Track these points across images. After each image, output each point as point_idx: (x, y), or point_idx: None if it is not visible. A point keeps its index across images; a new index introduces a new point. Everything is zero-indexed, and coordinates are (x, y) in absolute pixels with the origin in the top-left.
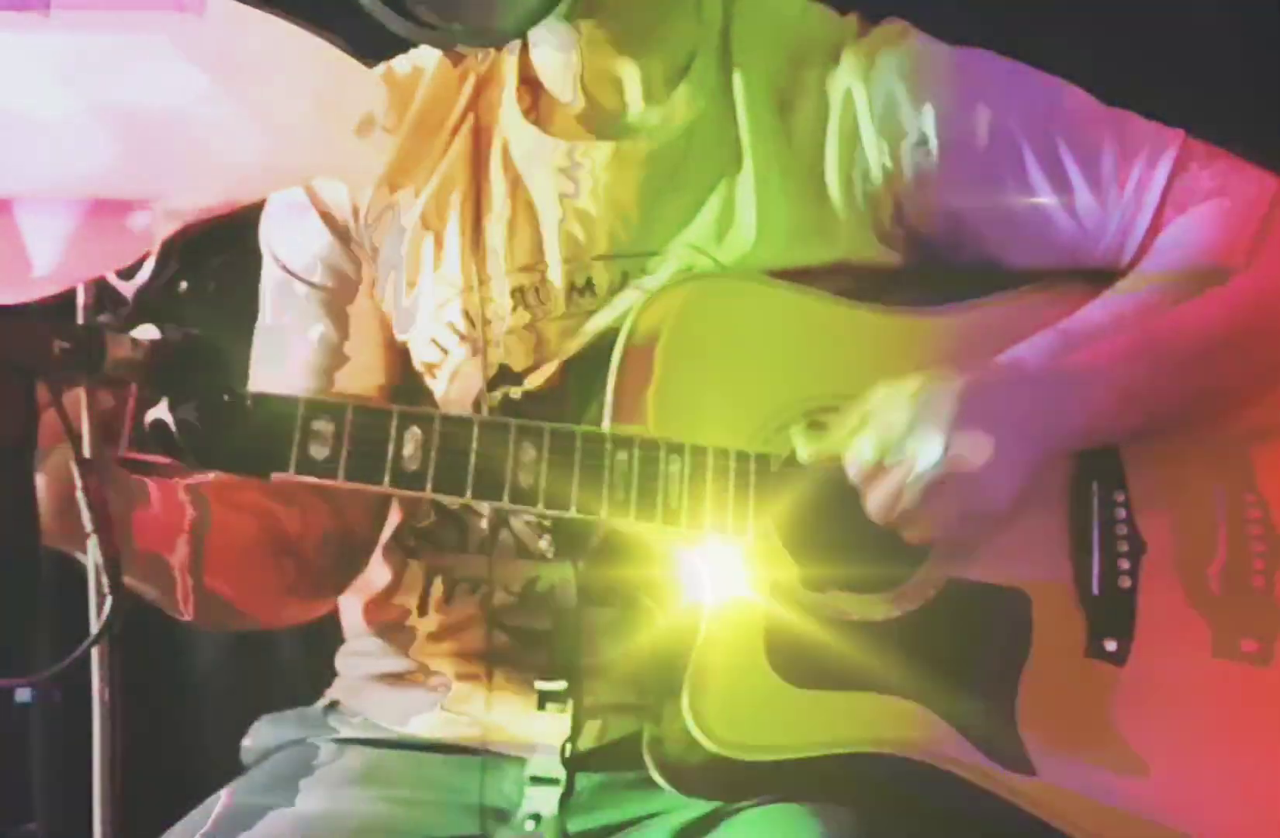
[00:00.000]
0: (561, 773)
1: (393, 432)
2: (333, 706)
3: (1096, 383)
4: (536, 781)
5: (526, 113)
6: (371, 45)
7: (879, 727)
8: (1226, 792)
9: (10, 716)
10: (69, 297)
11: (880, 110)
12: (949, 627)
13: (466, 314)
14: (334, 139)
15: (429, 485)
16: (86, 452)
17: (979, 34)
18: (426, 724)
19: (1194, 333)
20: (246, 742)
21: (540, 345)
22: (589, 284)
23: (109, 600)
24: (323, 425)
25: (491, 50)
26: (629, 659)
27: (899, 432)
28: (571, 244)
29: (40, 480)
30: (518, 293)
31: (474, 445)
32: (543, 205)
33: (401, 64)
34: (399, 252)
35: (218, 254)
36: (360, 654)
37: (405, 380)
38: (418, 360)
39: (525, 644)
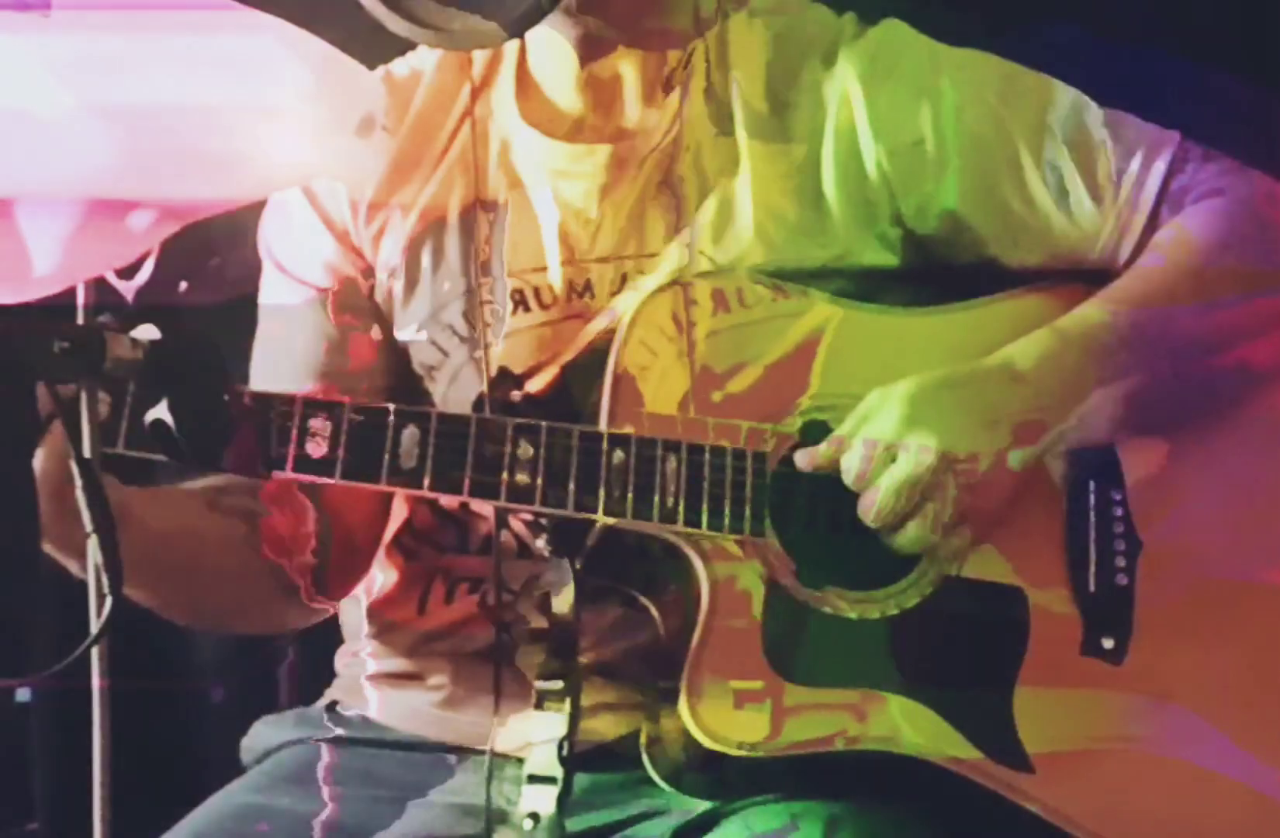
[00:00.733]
0: (559, 772)
1: (390, 430)
2: (332, 706)
3: (1091, 381)
4: (534, 779)
5: (525, 115)
6: (372, 45)
7: (877, 724)
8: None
9: (10, 716)
10: (69, 297)
11: (877, 111)
12: (946, 625)
13: (466, 316)
14: (332, 140)
15: (426, 483)
16: (86, 452)
17: (976, 34)
18: (425, 724)
19: (1190, 332)
20: (246, 742)
21: (540, 347)
22: (588, 286)
23: (109, 600)
24: (320, 424)
25: (490, 52)
26: (626, 658)
27: (891, 434)
28: (570, 246)
29: (41, 480)
30: (517, 295)
31: (471, 444)
32: (541, 207)
33: (400, 67)
34: (398, 253)
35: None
36: (360, 654)
37: (405, 382)
38: (417, 362)
39: (524, 643)
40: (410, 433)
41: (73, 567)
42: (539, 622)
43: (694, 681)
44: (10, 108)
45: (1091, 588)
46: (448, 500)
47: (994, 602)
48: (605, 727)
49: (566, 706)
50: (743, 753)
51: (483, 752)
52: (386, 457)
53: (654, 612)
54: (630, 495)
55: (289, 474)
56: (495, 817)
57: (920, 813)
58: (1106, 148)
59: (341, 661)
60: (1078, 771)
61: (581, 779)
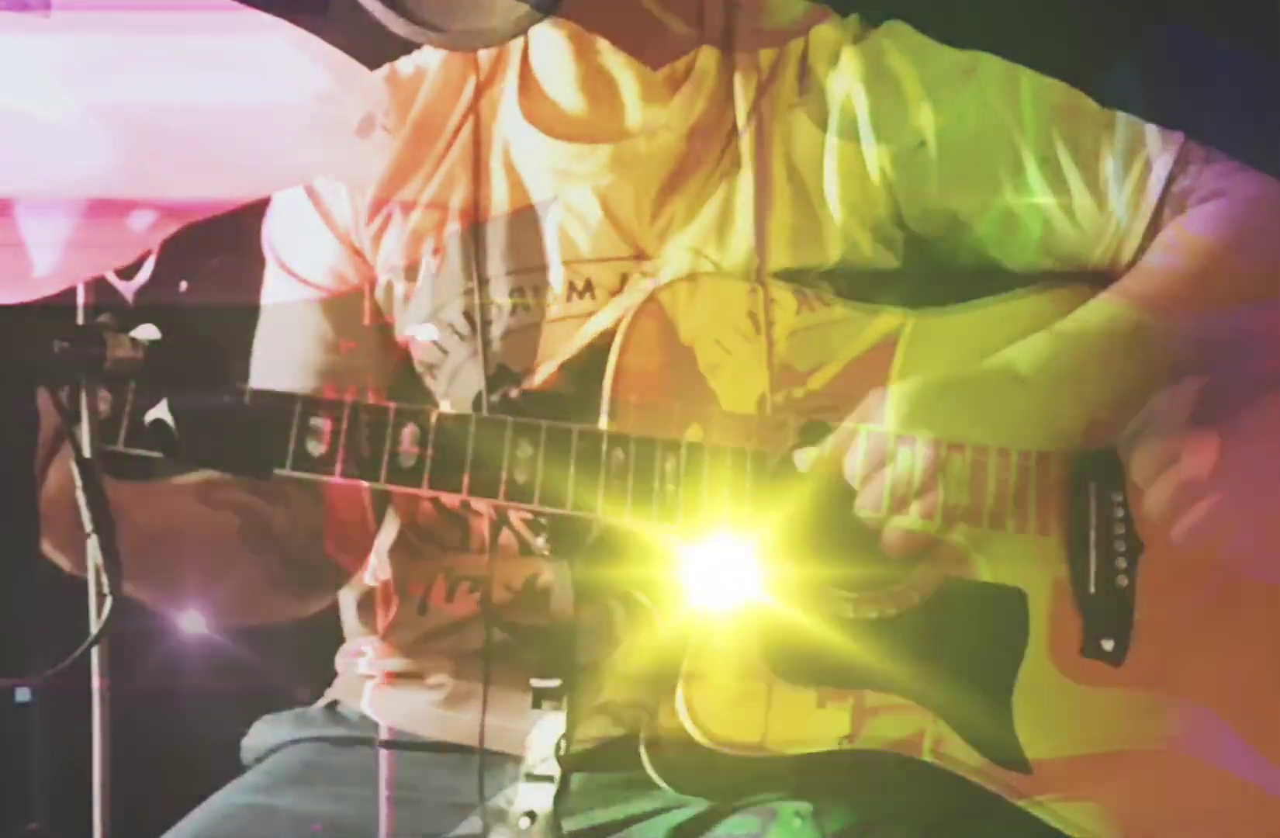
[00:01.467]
0: (557, 771)
1: (390, 428)
2: (332, 705)
3: (1090, 382)
4: (532, 778)
5: (527, 114)
6: (372, 45)
7: (876, 725)
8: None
9: (10, 716)
10: (69, 297)
11: (879, 112)
12: (946, 625)
13: (466, 315)
14: (332, 140)
15: (425, 482)
16: (86, 452)
17: (979, 36)
18: (426, 723)
19: (1190, 334)
20: (246, 742)
21: (539, 347)
22: (588, 286)
23: (109, 600)
24: (320, 422)
25: (495, 51)
26: (625, 657)
27: (890, 429)
28: (571, 246)
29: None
30: (517, 294)
31: (470, 442)
32: (543, 207)
33: (404, 65)
34: (399, 252)
35: (217, 254)
36: (360, 654)
37: (405, 381)
38: (418, 361)
39: (524, 642)
40: (410, 432)
41: (65, 563)
42: (539, 621)
43: (692, 680)
44: (10, 108)
45: (1092, 589)
46: (449, 499)
47: (994, 602)
48: (603, 726)
49: (564, 704)
50: (741, 753)
51: (481, 751)
52: (386, 455)
53: (653, 610)
54: (630, 495)
55: (288, 472)
56: (493, 816)
57: (919, 812)
58: (1108, 149)
59: (342, 660)
60: (1076, 772)
61: (579, 779)
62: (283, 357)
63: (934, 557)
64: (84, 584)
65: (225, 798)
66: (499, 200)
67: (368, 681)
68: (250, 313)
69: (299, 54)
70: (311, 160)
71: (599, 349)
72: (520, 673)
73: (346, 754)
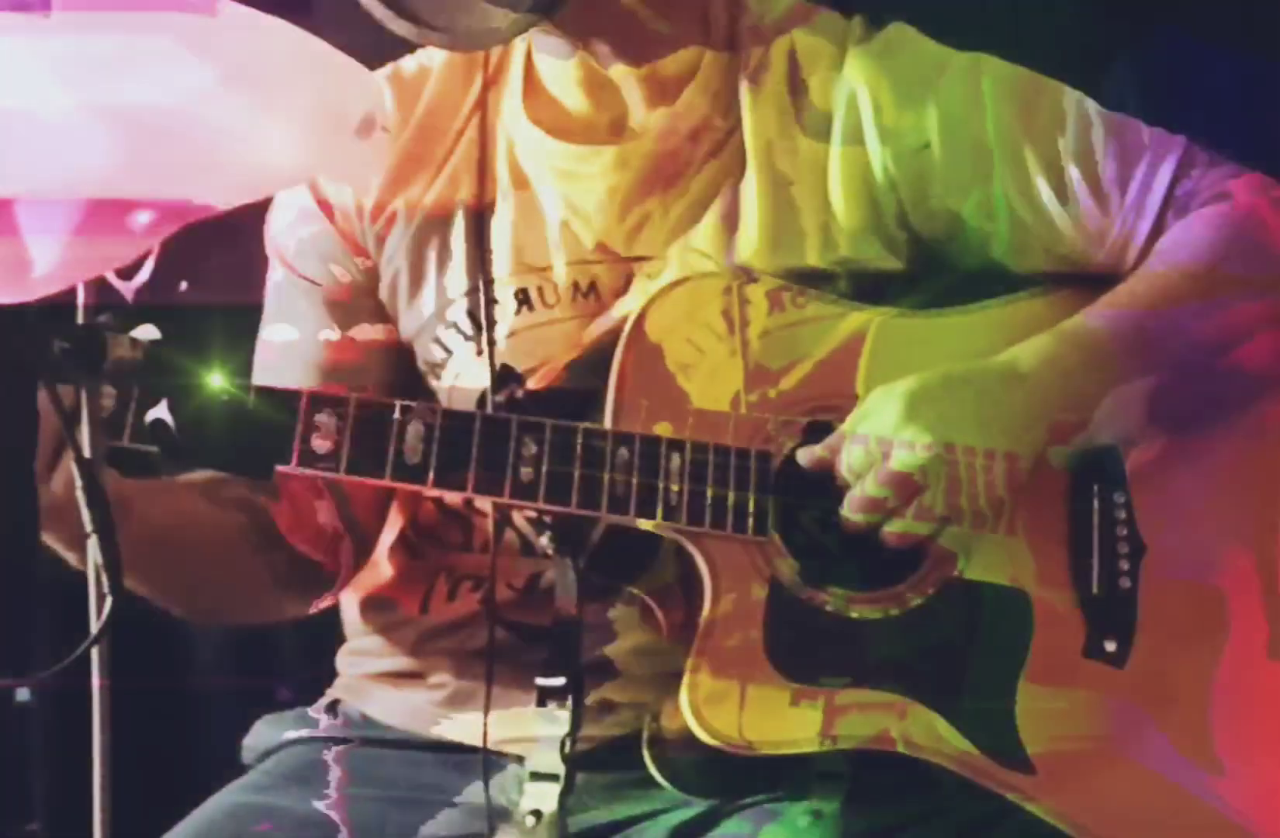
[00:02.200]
0: (561, 769)
1: (395, 426)
2: (333, 705)
3: (1091, 383)
4: (536, 777)
5: (531, 114)
6: (372, 45)
7: (878, 724)
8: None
9: (10, 716)
10: (69, 297)
11: (883, 114)
12: (948, 625)
13: (470, 315)
14: (332, 140)
15: (430, 479)
16: (86, 452)
17: (982, 38)
18: (427, 723)
19: (1193, 336)
20: (247, 742)
21: (543, 347)
22: (592, 286)
23: (109, 600)
24: (325, 419)
25: (500, 50)
26: (628, 657)
27: (888, 430)
28: (575, 246)
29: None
30: (521, 294)
31: (475, 440)
32: (547, 207)
33: (408, 64)
34: (403, 251)
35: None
36: (361, 653)
37: (409, 380)
38: (422, 360)
39: (527, 641)
40: (415, 429)
41: (72, 559)
42: (541, 622)
43: (695, 679)
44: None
45: (1094, 590)
46: (452, 497)
47: (997, 603)
48: (607, 725)
49: (568, 703)
50: (744, 752)
51: (484, 750)
52: (391, 453)
53: (656, 610)
54: (634, 494)
55: (294, 469)
56: (498, 815)
57: (920, 812)
58: (1112, 152)
59: (343, 659)
60: (1079, 772)
61: (583, 779)
62: (286, 356)
63: (937, 555)
64: (84, 584)
65: (225, 798)
66: (503, 200)
67: (369, 680)
68: (251, 312)
69: (299, 53)
70: (311, 161)
71: (603, 349)
72: (523, 672)
73: (348, 753)
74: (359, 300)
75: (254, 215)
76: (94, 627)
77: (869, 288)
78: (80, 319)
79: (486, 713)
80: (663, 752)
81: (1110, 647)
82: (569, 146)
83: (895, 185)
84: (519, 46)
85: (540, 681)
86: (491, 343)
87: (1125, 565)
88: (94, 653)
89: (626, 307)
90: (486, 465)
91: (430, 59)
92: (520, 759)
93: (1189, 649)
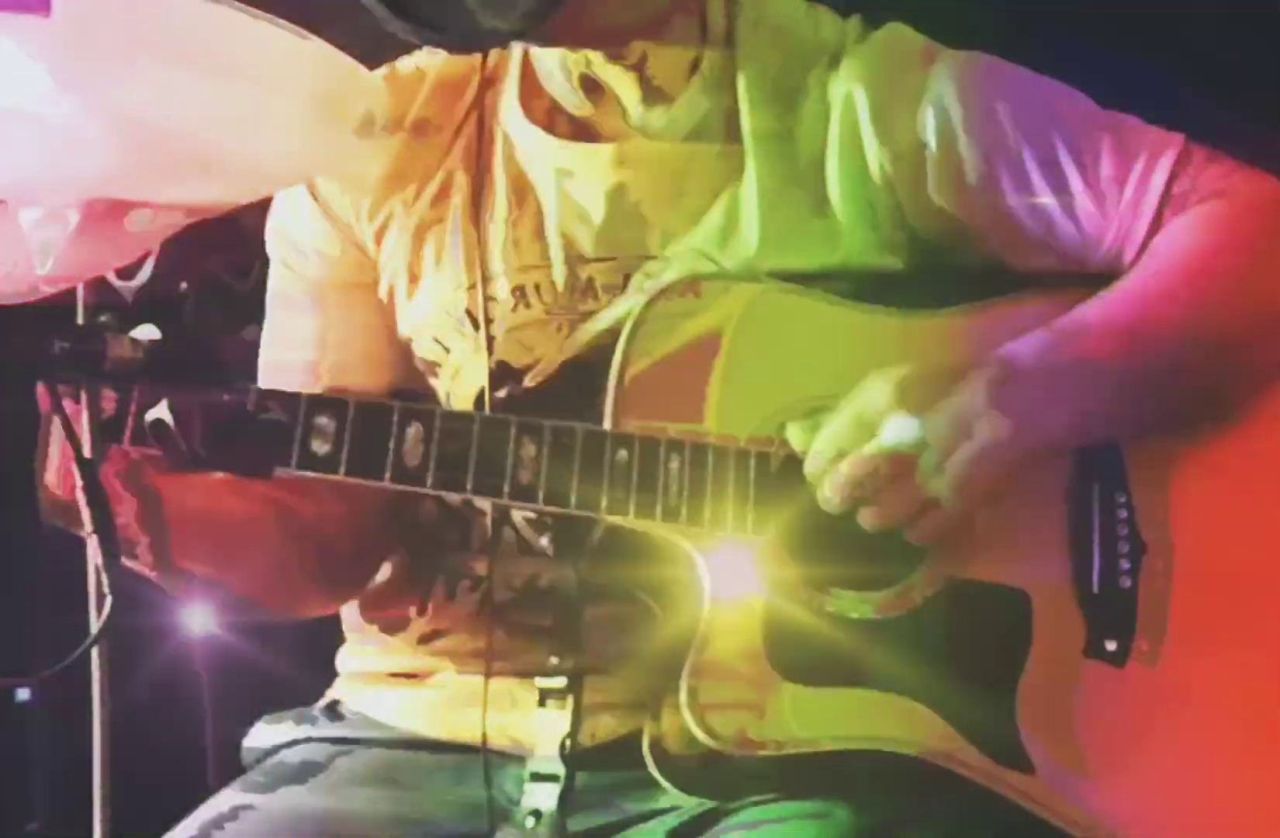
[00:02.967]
0: (562, 770)
1: (394, 428)
2: (333, 705)
3: (1088, 380)
4: (537, 777)
5: (530, 114)
6: (372, 45)
7: (878, 724)
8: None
9: (10, 716)
10: (69, 297)
11: (881, 113)
12: (949, 625)
13: (469, 313)
14: (331, 140)
15: (429, 481)
16: (86, 452)
17: (981, 38)
18: (427, 723)
19: (1188, 331)
20: (246, 742)
21: (540, 344)
22: (590, 285)
23: (109, 600)
24: (325, 421)
25: (496, 51)
26: (628, 657)
27: (876, 413)
28: (573, 245)
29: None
30: (519, 292)
31: (474, 441)
32: (545, 206)
33: (405, 64)
34: (402, 250)
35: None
36: (361, 653)
37: (409, 378)
38: (420, 358)
39: (526, 641)
40: (414, 431)
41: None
42: (541, 620)
43: (695, 680)
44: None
45: (1095, 590)
46: (451, 497)
47: (997, 603)
48: (607, 726)
49: (569, 704)
50: (744, 752)
51: (484, 750)
52: (390, 455)
53: (656, 610)
54: (633, 494)
55: (293, 471)
56: (498, 815)
57: (921, 812)
58: (1109, 150)
59: (342, 659)
60: (1080, 772)
61: (583, 778)
62: (286, 354)
63: (937, 556)
64: (84, 584)
65: (225, 798)
66: (501, 199)
67: (369, 680)
68: (251, 312)
69: (295, 53)
70: (307, 161)
71: (601, 348)
72: (523, 672)
73: (346, 754)
74: (358, 299)
75: (254, 215)
76: (94, 627)
77: (870, 287)
78: (80, 319)
79: (486, 713)
80: (663, 752)
81: (1111, 646)
82: (567, 145)
83: (892, 185)
84: (517, 46)
85: (540, 681)
86: (490, 340)
87: (1126, 565)
88: (94, 653)
89: (624, 305)
90: (485, 467)
91: (427, 59)
92: (520, 759)
93: (1191, 647)
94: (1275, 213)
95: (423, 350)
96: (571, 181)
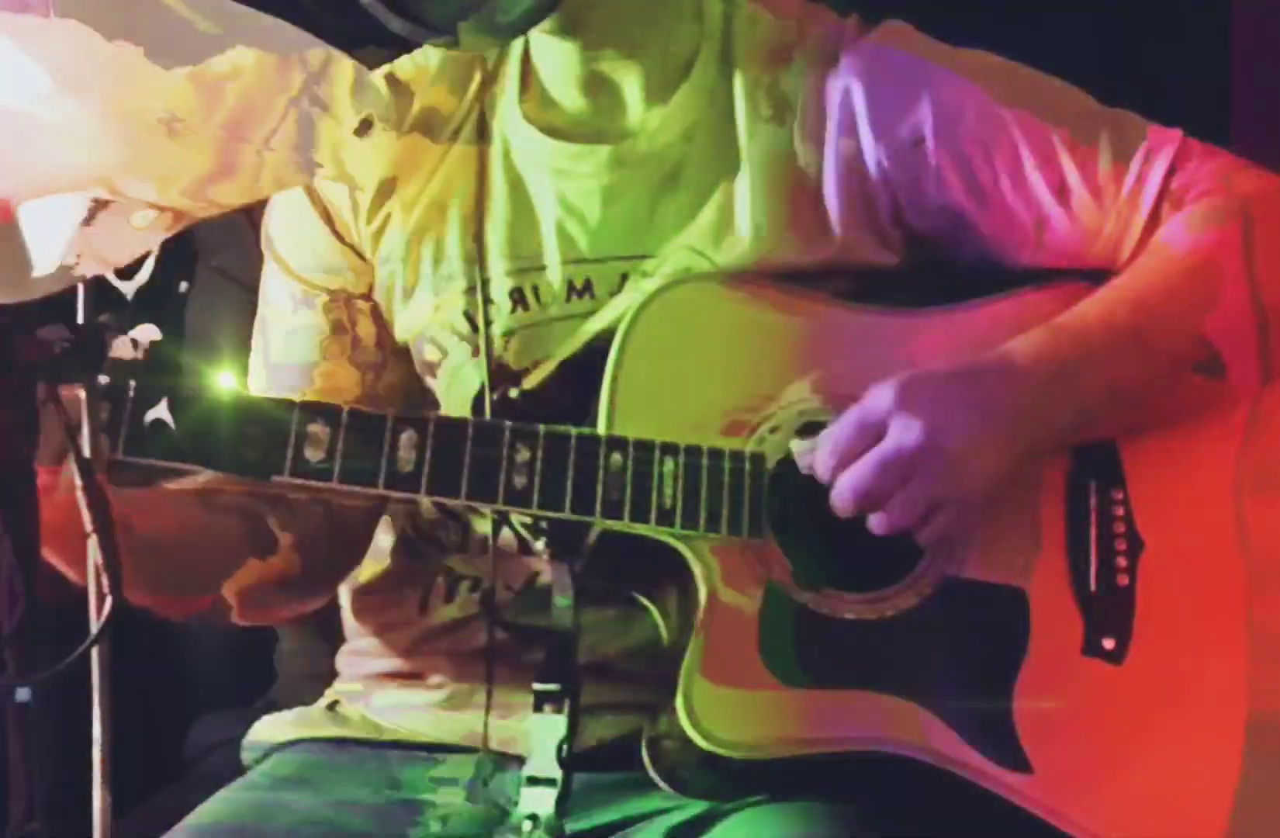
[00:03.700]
0: (558, 774)
1: (387, 434)
2: (333, 705)
3: (1086, 377)
4: (533, 781)
5: (527, 113)
6: (371, 44)
7: (875, 725)
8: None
9: (10, 716)
10: (69, 297)
11: (878, 110)
12: (945, 625)
13: (467, 315)
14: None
15: (423, 487)
16: (86, 452)
17: (978, 34)
18: (426, 724)
19: (1185, 328)
20: (246, 742)
21: (538, 346)
22: (587, 286)
23: (109, 600)
24: (317, 428)
25: (495, 51)
26: (625, 659)
27: (879, 415)
28: (570, 246)
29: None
30: (517, 293)
31: (468, 447)
32: (542, 207)
33: (405, 64)
34: (399, 251)
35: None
36: (360, 654)
37: (406, 380)
38: (418, 360)
39: (525, 642)
40: (408, 437)
41: (71, 574)
42: (538, 622)
43: (691, 682)
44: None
45: (1093, 588)
46: (444, 502)
47: (993, 602)
48: (605, 728)
49: (565, 707)
50: (740, 754)
51: (482, 752)
52: (384, 461)
53: (653, 613)
54: (628, 498)
55: (287, 479)
56: (494, 818)
57: (918, 813)
58: (1107, 146)
59: (342, 660)
60: (1077, 771)
61: (581, 779)
62: (281, 356)
63: (932, 555)
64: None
65: (225, 798)
66: (499, 200)
67: (368, 681)
68: (250, 313)
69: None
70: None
71: (598, 349)
72: (521, 673)
73: (346, 754)
74: (355, 301)
75: (254, 215)
76: (94, 627)
77: (867, 285)
78: (80, 319)
79: (487, 714)
80: (661, 753)
81: (1108, 645)
82: (565, 145)
83: (890, 181)
84: (516, 46)
85: (537, 685)
86: (488, 342)
87: (1123, 563)
88: (94, 653)
89: (622, 306)
90: (479, 473)
91: (426, 59)
92: (519, 759)
93: (1189, 647)
94: (1274, 208)
95: (420, 352)
96: (568, 182)
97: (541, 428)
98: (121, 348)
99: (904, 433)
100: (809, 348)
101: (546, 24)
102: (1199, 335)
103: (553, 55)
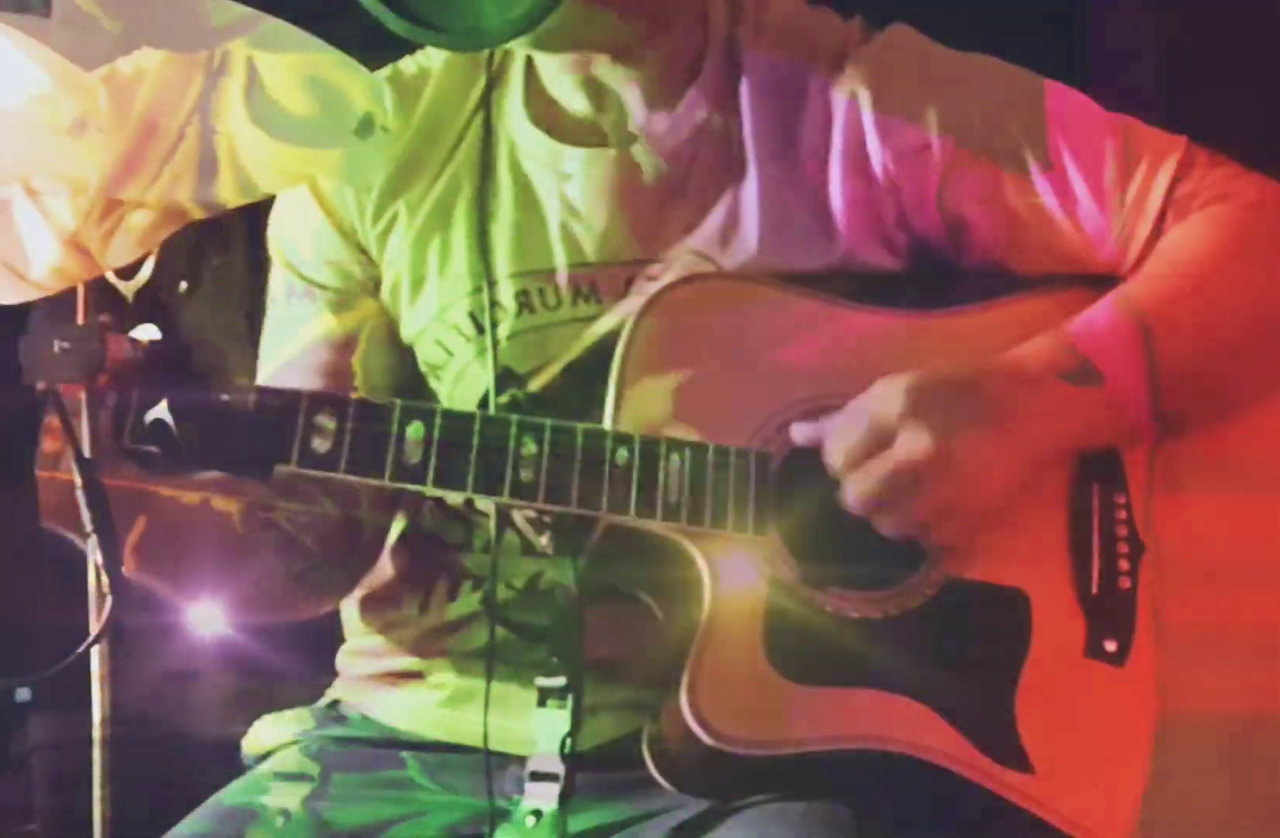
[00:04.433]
0: (561, 769)
1: (395, 426)
2: (333, 705)
3: (1095, 385)
4: (537, 777)
5: (533, 117)
6: (372, 45)
7: (878, 723)
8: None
9: (10, 716)
10: (69, 297)
11: (883, 115)
12: (948, 625)
13: (472, 316)
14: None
15: (430, 479)
16: (86, 452)
17: (983, 40)
18: (427, 722)
19: (1193, 335)
20: (246, 742)
21: (543, 348)
22: (593, 288)
23: (109, 600)
24: (325, 419)
25: (500, 52)
26: (629, 656)
27: (889, 420)
28: (576, 248)
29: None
30: (522, 296)
31: (475, 440)
32: (548, 209)
33: (408, 65)
34: (405, 252)
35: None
36: (361, 653)
37: (410, 381)
38: (423, 362)
39: (527, 640)
40: (415, 429)
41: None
42: (540, 622)
43: (695, 679)
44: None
45: (1095, 590)
46: (453, 497)
47: (996, 603)
48: (607, 725)
49: (569, 703)
50: (744, 752)
51: (485, 750)
52: (391, 453)
53: (657, 610)
54: (634, 493)
55: (294, 470)
56: (498, 815)
57: (920, 812)
58: (1112, 153)
59: (343, 659)
60: (1079, 772)
61: (583, 778)
62: (288, 356)
63: (937, 555)
64: (84, 584)
65: (225, 798)
66: (505, 202)
67: (369, 680)
68: (252, 313)
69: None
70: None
71: (603, 352)
72: (523, 672)
73: (346, 754)
74: (360, 301)
75: (255, 216)
76: (94, 627)
77: (871, 289)
78: (80, 319)
79: (487, 713)
80: (663, 752)
81: (1110, 647)
82: (570, 148)
83: (895, 186)
84: (521, 46)
85: (540, 681)
86: (494, 344)
87: (1125, 566)
88: (94, 653)
89: (627, 309)
90: (486, 466)
91: (430, 60)
92: (520, 759)
93: (1190, 648)
94: (1277, 217)
95: (425, 354)
96: (574, 186)
97: (548, 422)
98: (121, 348)
99: (914, 443)
100: (813, 347)
101: (533, 37)
102: (1207, 343)
103: (552, 60)
